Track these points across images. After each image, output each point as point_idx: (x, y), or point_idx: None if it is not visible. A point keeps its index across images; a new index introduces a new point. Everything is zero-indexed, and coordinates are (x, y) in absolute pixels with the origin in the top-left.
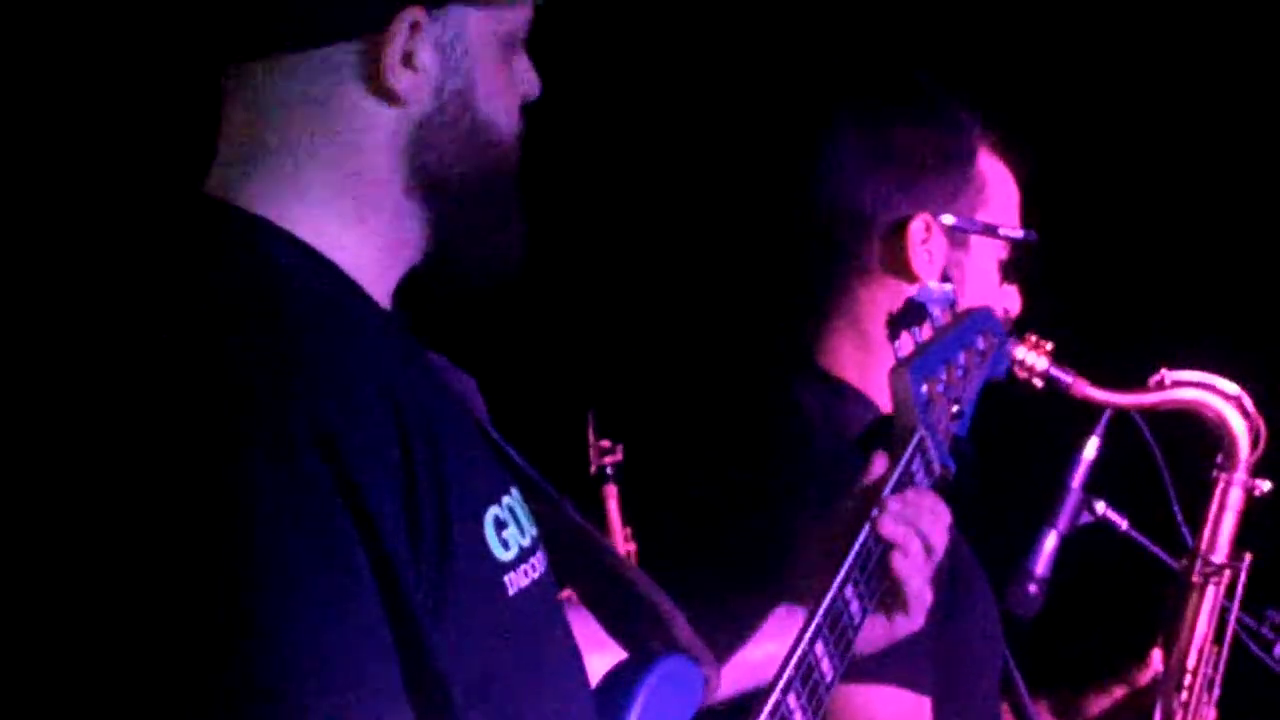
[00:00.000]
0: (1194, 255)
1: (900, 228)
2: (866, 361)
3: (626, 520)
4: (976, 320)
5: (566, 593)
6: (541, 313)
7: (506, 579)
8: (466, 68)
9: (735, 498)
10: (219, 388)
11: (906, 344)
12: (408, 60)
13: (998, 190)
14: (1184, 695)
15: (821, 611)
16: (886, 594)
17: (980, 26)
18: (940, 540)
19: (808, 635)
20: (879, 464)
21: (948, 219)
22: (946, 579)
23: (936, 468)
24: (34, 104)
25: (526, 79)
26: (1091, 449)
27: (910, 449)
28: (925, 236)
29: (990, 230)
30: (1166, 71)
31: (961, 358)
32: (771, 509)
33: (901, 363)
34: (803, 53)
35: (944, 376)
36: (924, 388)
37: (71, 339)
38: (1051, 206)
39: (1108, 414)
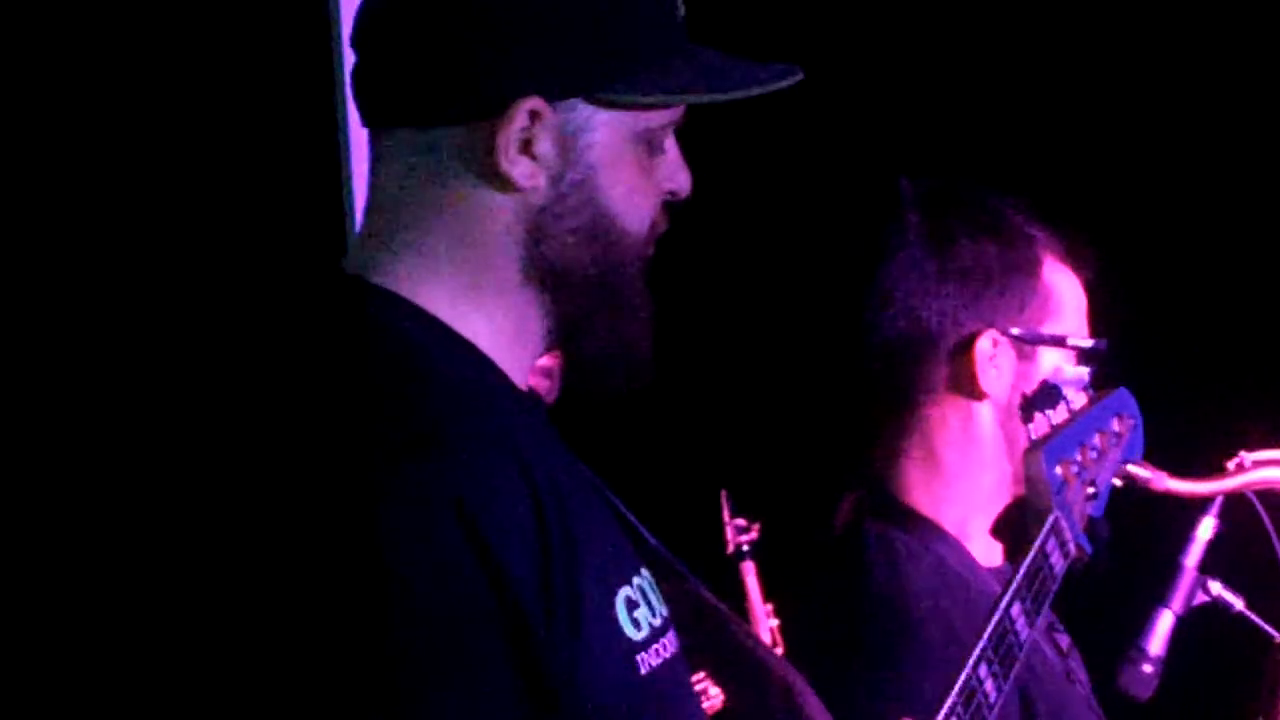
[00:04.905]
0: (1256, 337)
1: (967, 346)
2: (938, 489)
3: (768, 596)
4: (1112, 402)
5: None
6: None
7: (639, 658)
8: (590, 161)
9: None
10: (363, 472)
11: (1041, 426)
12: (525, 148)
13: (1064, 299)
14: None
15: (956, 691)
16: None
17: (1055, 124)
18: None
19: (942, 714)
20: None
21: (1015, 332)
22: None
23: (1071, 549)
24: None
25: (673, 176)
26: (1207, 529)
27: (1045, 531)
28: (993, 353)
29: (1058, 341)
30: (1206, 163)
31: (1096, 439)
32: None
33: (1035, 445)
34: (866, 172)
35: (1078, 458)
36: (1058, 469)
37: (216, 417)
38: (1117, 304)
39: (1222, 495)
